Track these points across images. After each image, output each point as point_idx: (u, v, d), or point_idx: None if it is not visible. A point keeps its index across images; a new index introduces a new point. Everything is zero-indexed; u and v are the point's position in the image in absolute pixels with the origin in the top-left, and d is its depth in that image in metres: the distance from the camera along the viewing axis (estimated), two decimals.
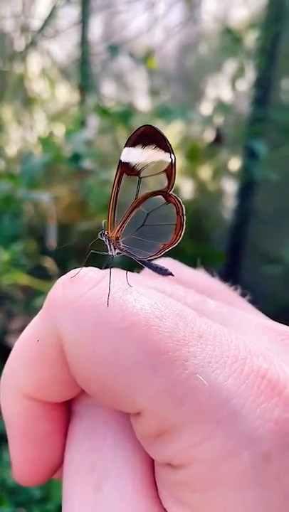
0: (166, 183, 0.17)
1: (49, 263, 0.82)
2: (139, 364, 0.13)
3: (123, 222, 0.18)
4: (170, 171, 0.17)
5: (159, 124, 0.76)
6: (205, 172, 0.90)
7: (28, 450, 0.17)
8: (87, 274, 0.16)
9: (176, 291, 0.17)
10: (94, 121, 0.94)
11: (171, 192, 0.17)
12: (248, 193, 0.89)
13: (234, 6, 0.80)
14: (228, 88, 0.83)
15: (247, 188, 0.88)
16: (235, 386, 0.13)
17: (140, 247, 0.18)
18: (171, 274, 0.18)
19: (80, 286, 0.15)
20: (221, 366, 0.13)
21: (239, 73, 0.81)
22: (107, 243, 0.18)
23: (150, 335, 0.14)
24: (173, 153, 0.17)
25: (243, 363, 0.13)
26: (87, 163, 0.73)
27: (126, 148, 0.17)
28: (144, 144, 0.17)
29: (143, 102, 0.87)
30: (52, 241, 0.80)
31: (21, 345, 0.16)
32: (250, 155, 0.77)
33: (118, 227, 0.18)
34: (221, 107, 0.82)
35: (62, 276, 0.16)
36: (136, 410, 0.14)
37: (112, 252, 0.18)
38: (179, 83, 0.90)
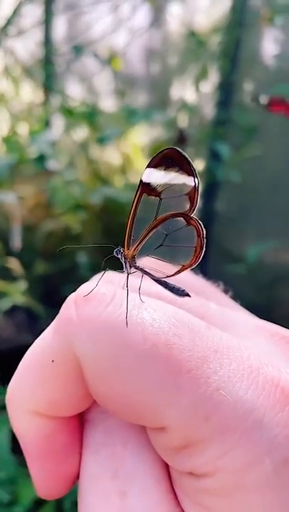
0: (187, 206, 0.17)
1: (14, 264, 0.81)
2: (164, 383, 0.14)
3: (140, 242, 0.18)
4: (193, 194, 0.17)
5: (124, 126, 0.77)
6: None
7: (48, 466, 0.16)
8: (100, 291, 0.16)
9: None
10: (59, 121, 0.93)
11: (192, 215, 0.17)
12: (212, 193, 0.90)
13: (199, 10, 0.81)
14: (192, 90, 0.84)
15: (211, 188, 0.90)
16: (255, 397, 0.14)
17: (158, 267, 0.18)
18: (188, 295, 0.17)
19: (96, 304, 0.15)
20: (239, 380, 0.14)
21: (202, 76, 0.82)
22: (123, 261, 0.18)
23: (173, 354, 0.14)
24: (197, 177, 0.17)
25: (258, 374, 0.14)
26: (52, 164, 0.73)
27: (148, 168, 0.17)
28: (167, 166, 0.17)
29: (108, 104, 0.87)
30: (16, 242, 0.80)
31: (31, 364, 0.16)
32: (214, 156, 0.79)
33: (135, 246, 0.18)
34: (185, 108, 0.83)
35: (73, 294, 0.16)
36: (160, 426, 0.14)
37: (128, 270, 0.18)
38: (144, 85, 0.91)
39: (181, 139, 0.77)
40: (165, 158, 0.17)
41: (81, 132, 0.86)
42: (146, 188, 0.17)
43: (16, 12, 0.80)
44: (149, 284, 0.18)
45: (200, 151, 0.87)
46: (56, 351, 0.15)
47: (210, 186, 0.89)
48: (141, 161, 0.91)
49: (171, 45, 0.87)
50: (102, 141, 0.67)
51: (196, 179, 0.17)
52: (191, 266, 0.18)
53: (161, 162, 0.17)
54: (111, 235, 0.92)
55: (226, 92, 0.82)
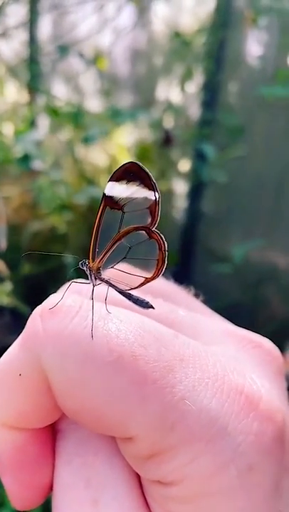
0: (149, 220, 0.17)
1: None
2: (130, 394, 0.14)
3: (105, 254, 0.18)
4: (154, 208, 0.17)
5: (109, 126, 0.77)
6: (155, 173, 0.91)
7: (21, 478, 0.16)
8: (65, 303, 0.16)
9: None
10: (44, 121, 0.93)
11: (153, 228, 0.17)
12: (198, 193, 0.91)
13: (183, 11, 0.81)
14: (177, 91, 0.85)
15: (197, 188, 0.90)
16: (219, 406, 0.14)
17: (123, 279, 0.18)
18: (152, 307, 0.18)
19: (61, 317, 0.15)
20: (204, 388, 0.14)
21: (187, 76, 0.83)
22: (88, 273, 0.18)
23: (138, 366, 0.14)
24: (157, 192, 0.17)
25: (222, 382, 0.15)
26: (37, 164, 0.73)
27: (110, 182, 0.17)
28: (129, 180, 0.17)
29: (94, 104, 0.87)
30: (2, 242, 0.79)
31: None
32: (199, 157, 0.79)
33: (100, 258, 0.18)
34: (170, 108, 0.83)
35: (39, 307, 0.16)
36: (127, 436, 0.14)
37: (93, 282, 0.18)
38: (129, 86, 0.91)
39: (167, 139, 0.77)
40: (126, 172, 0.17)
41: (67, 132, 0.86)
42: (109, 201, 0.17)
43: (0, 11, 0.80)
44: (116, 293, 0.18)
45: (186, 152, 0.87)
46: (23, 365, 0.15)
47: (195, 186, 0.90)
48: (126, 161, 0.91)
49: (156, 46, 0.87)
50: (87, 140, 0.67)
51: (156, 193, 0.17)
52: (153, 279, 0.18)
53: (122, 176, 0.17)
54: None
55: (211, 92, 0.83)
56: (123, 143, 0.89)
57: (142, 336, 0.15)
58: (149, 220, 0.17)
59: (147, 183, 0.17)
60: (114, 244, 0.18)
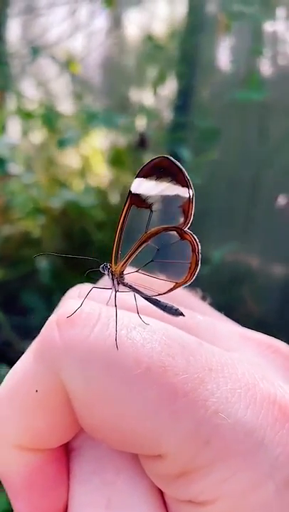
0: (181, 219, 0.16)
1: None
2: (161, 409, 0.13)
3: (129, 257, 0.17)
4: (187, 206, 0.16)
5: (83, 129, 0.76)
6: (129, 176, 0.91)
7: (34, 501, 0.15)
8: (84, 310, 0.14)
9: None
10: (15, 124, 0.92)
11: (186, 228, 0.16)
12: None
13: (156, 16, 0.82)
14: (150, 94, 0.85)
15: None
16: (254, 417, 0.13)
17: (149, 284, 0.17)
18: (182, 314, 0.16)
19: (81, 326, 0.14)
20: (237, 400, 0.13)
21: (160, 80, 0.83)
22: (110, 278, 0.17)
23: (168, 378, 0.13)
24: (191, 189, 0.16)
25: (254, 391, 0.14)
26: (11, 167, 0.72)
27: (137, 178, 0.16)
28: (159, 176, 0.16)
29: (66, 107, 0.86)
30: None
31: (11, 395, 0.14)
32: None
33: (123, 262, 0.17)
34: (143, 112, 0.83)
35: (54, 315, 0.14)
36: (156, 454, 0.13)
37: (116, 288, 0.17)
38: (103, 89, 0.90)
39: (142, 142, 0.77)
40: (156, 167, 0.16)
41: (39, 135, 0.85)
42: (135, 199, 0.16)
43: None
44: (129, 297, 0.17)
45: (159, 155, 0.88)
46: (40, 380, 0.14)
47: None
48: (100, 165, 0.91)
49: (129, 50, 0.87)
50: (62, 144, 0.66)
51: (190, 190, 0.16)
52: (185, 283, 0.17)
53: (152, 172, 0.16)
54: (71, 240, 0.91)
55: (184, 96, 0.83)
56: (97, 146, 0.89)
57: (168, 344, 0.14)
58: (182, 219, 0.16)
59: (180, 179, 0.16)
60: (140, 246, 0.17)
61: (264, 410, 0.13)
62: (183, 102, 0.82)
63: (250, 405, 0.13)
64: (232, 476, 0.13)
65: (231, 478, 0.13)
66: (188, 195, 0.16)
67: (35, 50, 0.73)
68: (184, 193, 0.16)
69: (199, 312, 0.18)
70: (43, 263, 0.86)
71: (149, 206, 0.16)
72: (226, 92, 0.75)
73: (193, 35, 0.77)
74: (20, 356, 0.15)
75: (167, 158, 0.16)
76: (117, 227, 0.16)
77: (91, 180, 0.90)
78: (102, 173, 0.91)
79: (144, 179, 0.16)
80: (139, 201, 0.16)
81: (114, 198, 0.93)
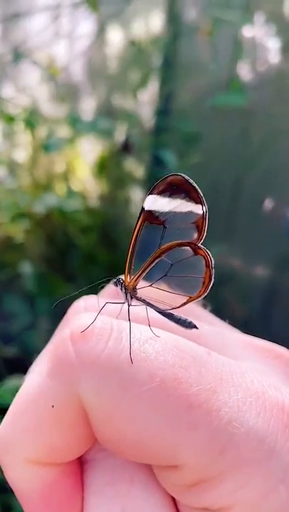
0: (195, 235, 0.17)
1: None
2: (176, 421, 0.13)
3: (142, 271, 0.17)
4: (200, 222, 0.17)
5: (69, 133, 0.76)
6: (113, 181, 0.92)
7: None
8: (96, 324, 0.15)
9: None
10: None
11: (200, 244, 0.17)
12: None
13: (137, 21, 0.82)
14: (133, 99, 0.85)
15: None
16: (265, 425, 0.14)
17: (161, 298, 0.17)
18: (195, 327, 0.17)
19: (95, 341, 0.14)
20: (249, 408, 0.14)
21: (142, 85, 0.84)
22: (123, 292, 0.17)
23: (182, 390, 0.13)
24: (204, 205, 0.16)
25: (264, 399, 0.14)
26: None
27: (150, 195, 0.16)
28: (172, 193, 0.16)
29: (50, 112, 0.86)
30: None
31: (27, 411, 0.15)
32: (157, 164, 0.80)
33: (136, 276, 0.17)
34: (126, 116, 0.84)
35: (67, 330, 0.15)
36: (172, 464, 0.14)
37: (129, 302, 0.17)
38: (87, 94, 0.90)
39: (126, 147, 0.77)
40: (170, 184, 0.16)
41: (22, 139, 0.85)
42: (148, 215, 0.17)
43: None
44: (137, 310, 0.17)
45: (142, 159, 0.88)
46: (56, 396, 0.14)
47: None
48: (83, 169, 0.91)
49: (112, 55, 0.88)
50: (47, 148, 0.66)
51: (204, 207, 0.16)
52: (199, 297, 0.17)
53: (165, 189, 0.16)
54: (55, 244, 0.91)
55: (167, 100, 0.84)
56: (80, 150, 0.88)
57: (180, 356, 0.14)
58: (196, 235, 0.17)
59: (194, 196, 0.16)
60: (153, 261, 0.17)
61: (274, 417, 0.14)
62: (165, 106, 0.83)
63: (261, 413, 0.14)
64: (246, 483, 0.13)
65: (246, 485, 0.13)
66: (201, 212, 0.16)
67: (18, 56, 0.72)
68: (197, 209, 0.16)
69: (205, 322, 0.19)
70: (26, 268, 0.85)
71: (162, 222, 0.17)
72: (207, 97, 0.76)
73: (175, 40, 0.78)
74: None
75: (180, 175, 0.16)
76: (130, 243, 0.17)
77: (75, 185, 0.90)
78: (85, 178, 0.91)
79: (158, 196, 0.16)
80: (152, 218, 0.17)
81: (98, 203, 0.93)
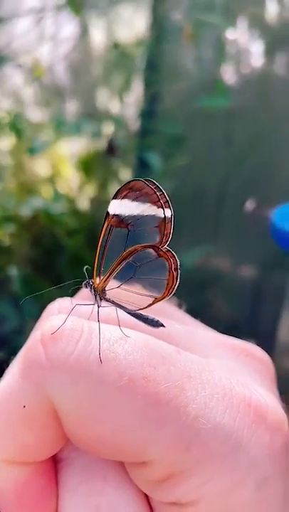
0: (157, 238, 0.17)
1: None
2: (146, 418, 0.13)
3: (110, 273, 0.17)
4: (163, 226, 0.17)
5: (53, 136, 0.76)
6: (99, 183, 0.92)
7: None
8: (66, 326, 0.15)
9: None
10: None
11: (164, 247, 0.17)
12: None
13: (121, 23, 0.82)
14: (117, 101, 0.86)
15: None
16: (232, 421, 0.14)
17: (130, 299, 0.17)
18: (162, 325, 0.17)
19: (65, 342, 0.14)
20: (215, 404, 0.14)
21: (126, 87, 0.84)
22: (92, 293, 0.18)
23: (151, 388, 0.14)
24: (167, 209, 0.17)
25: (231, 395, 0.14)
26: None
27: (115, 200, 0.17)
28: (135, 198, 0.17)
29: (34, 115, 0.86)
30: None
31: None
32: (143, 166, 0.80)
33: (105, 278, 0.18)
34: (111, 118, 0.84)
35: (38, 333, 0.15)
36: (142, 461, 0.14)
37: (98, 303, 0.17)
38: (70, 96, 0.90)
39: (110, 149, 0.77)
40: (132, 189, 0.17)
41: (7, 142, 0.85)
42: (113, 219, 0.17)
43: None
44: (110, 311, 0.17)
45: (128, 161, 0.88)
46: (28, 396, 0.14)
47: None
48: (69, 171, 0.91)
49: (96, 57, 0.88)
50: (32, 151, 0.66)
51: (166, 210, 0.17)
52: (163, 298, 0.17)
53: (128, 193, 0.17)
54: (41, 247, 0.91)
55: (151, 103, 0.84)
56: (65, 153, 0.88)
57: (149, 355, 0.14)
58: (158, 238, 0.17)
59: (155, 200, 0.17)
60: (120, 263, 0.17)
61: (240, 413, 0.14)
62: (150, 108, 0.83)
63: (228, 409, 0.14)
64: (213, 477, 0.13)
65: (212, 479, 0.13)
66: (163, 216, 0.17)
67: (2, 59, 0.72)
68: (160, 213, 0.17)
69: (177, 321, 0.19)
70: (13, 271, 0.85)
71: (127, 226, 0.17)
72: (192, 99, 0.77)
73: (159, 42, 0.78)
74: None
75: (141, 180, 0.17)
76: (97, 246, 0.17)
77: (60, 187, 0.90)
78: (71, 180, 0.91)
79: (121, 200, 0.17)
80: (117, 221, 0.17)
81: (85, 205, 0.93)
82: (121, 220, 0.17)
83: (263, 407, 0.15)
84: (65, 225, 0.87)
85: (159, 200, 0.17)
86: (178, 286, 0.17)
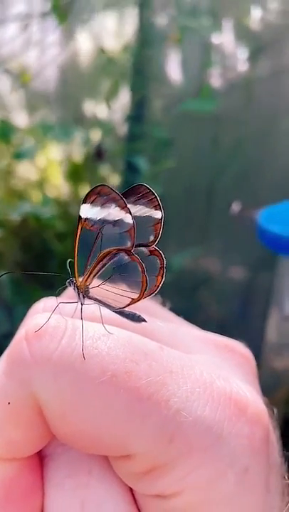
0: (129, 242, 0.17)
1: None
2: (128, 413, 0.14)
3: (90, 273, 0.18)
4: (132, 231, 0.17)
5: (40, 142, 0.77)
6: (88, 187, 0.92)
7: (13, 511, 0.16)
8: (50, 324, 0.15)
9: None
10: None
11: (133, 250, 0.17)
12: None
13: (107, 29, 0.83)
14: (104, 106, 0.86)
15: None
16: (212, 413, 0.14)
17: (110, 298, 0.18)
18: (144, 320, 0.17)
19: (48, 339, 0.14)
20: (196, 398, 0.14)
21: (113, 92, 0.84)
22: (76, 291, 0.18)
23: (132, 383, 0.14)
24: (130, 214, 0.17)
25: (212, 389, 0.15)
26: None
27: (84, 204, 0.17)
28: (103, 203, 0.17)
29: (20, 120, 0.86)
30: None
31: None
32: (131, 170, 0.81)
33: (86, 277, 0.18)
34: (98, 124, 0.84)
35: (22, 330, 0.15)
36: (125, 454, 0.14)
37: (82, 301, 0.18)
38: (58, 102, 0.91)
39: (98, 154, 0.78)
40: (99, 194, 0.17)
41: None
42: (85, 223, 0.17)
43: None
44: (94, 308, 0.18)
45: (116, 166, 0.89)
46: (12, 393, 0.14)
47: None
48: (57, 176, 0.91)
49: (82, 63, 0.88)
50: (18, 156, 0.67)
51: (130, 215, 0.17)
52: (139, 300, 0.18)
53: (96, 198, 0.17)
54: (31, 252, 0.91)
55: (139, 107, 0.85)
56: (53, 157, 0.89)
57: (131, 351, 0.15)
58: (129, 242, 0.17)
59: (121, 205, 0.17)
60: (98, 263, 0.18)
61: (221, 406, 0.15)
62: (137, 113, 0.84)
63: (209, 402, 0.15)
64: (195, 469, 0.14)
65: (194, 471, 0.14)
66: (129, 221, 0.17)
67: None
68: (126, 218, 0.17)
69: (160, 318, 0.19)
70: (3, 276, 0.85)
71: (99, 229, 0.17)
72: (178, 103, 0.77)
73: (145, 48, 0.79)
74: None
75: (107, 186, 0.17)
76: (74, 247, 0.18)
77: (49, 192, 0.90)
78: (60, 185, 0.92)
79: (90, 205, 0.17)
80: (89, 225, 0.17)
81: (74, 209, 0.93)
82: (92, 224, 0.17)
83: (244, 400, 0.15)
84: (55, 229, 0.87)
85: (125, 206, 0.17)
86: (160, 286, 0.18)
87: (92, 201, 0.17)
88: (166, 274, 0.18)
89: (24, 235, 0.91)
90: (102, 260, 0.18)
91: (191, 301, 0.89)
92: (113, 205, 0.17)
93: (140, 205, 0.18)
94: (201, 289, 0.89)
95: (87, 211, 0.17)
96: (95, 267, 0.18)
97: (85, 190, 0.89)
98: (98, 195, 0.17)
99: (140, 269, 0.17)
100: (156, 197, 0.18)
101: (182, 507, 0.14)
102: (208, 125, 0.79)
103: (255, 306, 0.85)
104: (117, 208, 0.17)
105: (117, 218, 0.17)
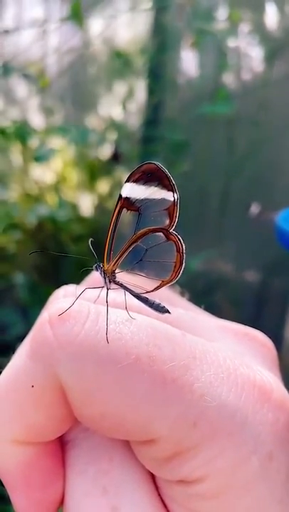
0: (167, 221, 0.17)
1: None
2: (152, 396, 0.14)
3: (120, 256, 0.18)
4: (172, 209, 0.17)
5: (56, 142, 0.77)
6: (103, 189, 0.92)
7: (33, 494, 0.16)
8: (73, 308, 0.15)
9: None
10: None
11: (172, 230, 0.17)
12: None
13: (122, 31, 0.84)
14: (120, 108, 0.87)
15: None
16: (236, 399, 0.14)
17: (138, 283, 0.18)
18: (168, 311, 0.17)
19: (72, 323, 0.15)
20: (220, 384, 0.15)
21: (129, 95, 0.85)
22: (102, 276, 0.18)
23: (157, 367, 0.14)
24: (176, 192, 0.17)
25: (236, 375, 0.15)
26: None
27: (127, 183, 0.17)
28: (147, 181, 0.17)
29: (36, 121, 0.87)
30: None
31: (5, 391, 0.15)
32: None
33: (115, 261, 0.18)
34: (114, 126, 0.85)
35: (46, 314, 0.15)
36: (149, 439, 0.14)
37: (108, 286, 0.18)
38: (71, 103, 0.91)
39: (115, 156, 0.78)
40: (144, 172, 0.17)
41: (12, 151, 0.86)
42: (125, 202, 0.17)
43: None
44: (116, 295, 0.18)
45: (132, 168, 0.89)
46: (36, 376, 0.14)
47: None
48: (73, 179, 0.92)
49: (99, 66, 0.89)
50: (38, 159, 0.67)
51: (175, 194, 0.17)
52: (171, 281, 0.18)
53: (140, 176, 0.17)
54: (47, 254, 0.92)
55: (155, 110, 0.85)
56: (69, 160, 0.89)
57: (154, 336, 0.15)
58: (167, 221, 0.17)
59: (166, 184, 0.17)
60: (129, 246, 0.18)
61: (245, 392, 0.15)
62: (153, 116, 0.84)
63: (233, 388, 0.15)
64: (219, 454, 0.14)
65: (219, 456, 0.14)
66: (172, 199, 0.17)
67: (7, 69, 0.73)
68: (169, 196, 0.17)
69: (181, 307, 0.20)
70: (19, 278, 0.86)
71: (138, 209, 0.17)
72: (195, 106, 0.78)
73: (162, 51, 0.79)
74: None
75: (154, 163, 0.17)
76: (109, 229, 0.18)
77: (65, 195, 0.91)
78: (75, 187, 0.92)
79: (133, 184, 0.17)
80: (128, 204, 0.17)
81: (89, 212, 0.94)
82: (132, 203, 0.17)
83: (267, 386, 0.15)
84: (70, 231, 0.88)
85: (170, 183, 0.17)
86: (183, 270, 0.18)
87: (136, 179, 0.17)
88: (185, 261, 0.18)
89: (40, 237, 0.92)
90: (134, 242, 0.18)
91: (205, 304, 0.88)
92: (156, 183, 0.17)
93: (153, 186, 0.17)
94: (216, 291, 0.88)
95: (128, 190, 0.17)
96: (126, 249, 0.18)
97: (100, 192, 0.90)
98: (143, 173, 0.17)
99: (176, 249, 0.17)
100: (168, 177, 0.17)
101: (206, 492, 0.14)
102: (224, 127, 0.79)
103: (270, 309, 0.85)
104: (160, 186, 0.17)
105: (159, 197, 0.17)
